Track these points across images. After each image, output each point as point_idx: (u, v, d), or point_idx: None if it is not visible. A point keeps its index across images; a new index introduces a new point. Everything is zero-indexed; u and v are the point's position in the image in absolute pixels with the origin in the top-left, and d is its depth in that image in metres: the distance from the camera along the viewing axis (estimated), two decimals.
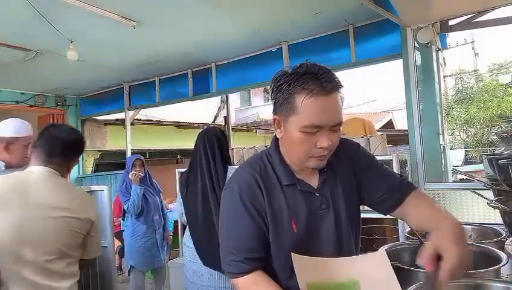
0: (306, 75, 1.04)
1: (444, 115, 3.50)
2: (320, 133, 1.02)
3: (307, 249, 1.06)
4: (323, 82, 1.01)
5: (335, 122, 1.03)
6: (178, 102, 5.48)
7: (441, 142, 3.12)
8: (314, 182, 1.14)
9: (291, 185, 1.10)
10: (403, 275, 1.27)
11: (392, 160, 2.50)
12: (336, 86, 1.03)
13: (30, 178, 1.58)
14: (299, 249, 1.04)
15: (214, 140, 2.35)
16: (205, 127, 2.68)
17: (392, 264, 1.33)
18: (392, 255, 1.45)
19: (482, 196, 1.19)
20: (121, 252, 4.63)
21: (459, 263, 0.87)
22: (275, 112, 1.09)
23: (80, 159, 6.67)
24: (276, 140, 1.17)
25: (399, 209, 1.14)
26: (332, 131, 1.04)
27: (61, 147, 1.66)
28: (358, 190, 1.19)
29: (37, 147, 1.67)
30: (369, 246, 2.71)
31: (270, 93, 1.12)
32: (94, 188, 3.66)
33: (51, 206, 1.54)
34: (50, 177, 1.61)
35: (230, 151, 3.44)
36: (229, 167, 2.35)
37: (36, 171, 1.61)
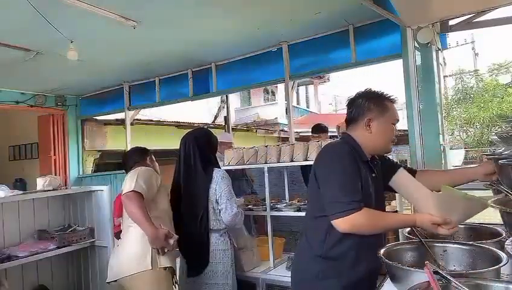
0: (381, 92, 1.74)
1: (444, 115, 3.49)
2: (395, 127, 1.72)
3: (372, 201, 1.60)
4: (394, 97, 1.74)
5: (399, 119, 1.75)
6: (178, 102, 5.48)
7: (441, 142, 3.11)
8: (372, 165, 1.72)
9: (365, 162, 1.67)
10: (403, 275, 1.27)
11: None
12: (397, 100, 1.76)
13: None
14: (369, 202, 1.58)
15: (196, 147, 2.51)
16: (191, 130, 2.74)
17: (392, 264, 1.33)
18: (392, 255, 1.45)
19: (492, 206, 1.20)
20: None
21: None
22: (365, 115, 1.67)
23: (80, 159, 6.69)
24: (349, 136, 1.71)
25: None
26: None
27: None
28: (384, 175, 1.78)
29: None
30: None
31: (360, 103, 1.71)
32: (94, 188, 3.66)
33: None
34: None
35: (231, 151, 3.45)
36: (215, 169, 2.44)
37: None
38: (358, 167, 1.58)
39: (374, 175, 1.67)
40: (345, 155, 1.59)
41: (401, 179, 1.64)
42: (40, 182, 3.53)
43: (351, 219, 1.47)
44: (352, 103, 1.73)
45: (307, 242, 1.67)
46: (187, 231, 2.39)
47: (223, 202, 2.36)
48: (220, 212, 2.37)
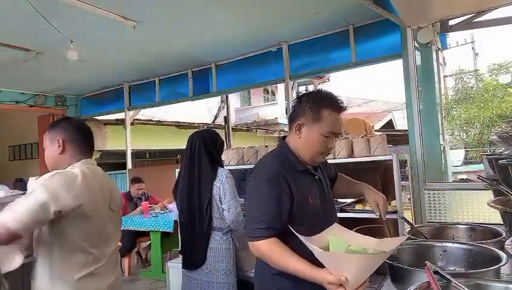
0: (328, 97, 1.50)
1: (444, 115, 3.50)
2: (330, 139, 1.49)
3: (319, 214, 1.50)
4: (340, 104, 1.49)
5: (340, 132, 1.58)
6: (178, 102, 5.49)
7: (441, 142, 3.12)
8: (313, 170, 1.59)
9: (303, 171, 1.52)
10: (403, 275, 1.27)
11: (392, 160, 2.49)
12: (345, 108, 1.51)
13: (103, 175, 1.63)
14: (314, 215, 1.48)
15: (202, 144, 2.47)
16: (199, 129, 2.75)
17: (392, 264, 1.33)
18: (392, 255, 1.45)
19: (492, 206, 1.20)
20: (121, 252, 4.63)
21: (385, 203, 1.74)
22: (299, 118, 1.50)
23: None
24: (284, 143, 1.58)
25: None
26: (336, 138, 1.57)
27: (91, 139, 1.67)
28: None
29: (71, 140, 1.58)
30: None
31: (299, 104, 1.52)
32: None
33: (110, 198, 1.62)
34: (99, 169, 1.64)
35: (231, 151, 3.45)
36: (219, 168, 2.44)
37: (95, 168, 1.59)
38: (283, 186, 1.42)
39: (317, 177, 1.56)
40: (270, 177, 1.44)
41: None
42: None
43: (256, 245, 1.38)
44: (295, 102, 1.55)
45: (261, 261, 1.47)
46: (187, 225, 2.40)
47: (226, 201, 2.35)
48: (223, 211, 2.36)
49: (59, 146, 1.56)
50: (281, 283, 1.44)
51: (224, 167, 2.53)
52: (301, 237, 1.23)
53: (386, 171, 2.99)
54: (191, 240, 2.41)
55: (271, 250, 1.37)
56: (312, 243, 1.21)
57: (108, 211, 1.57)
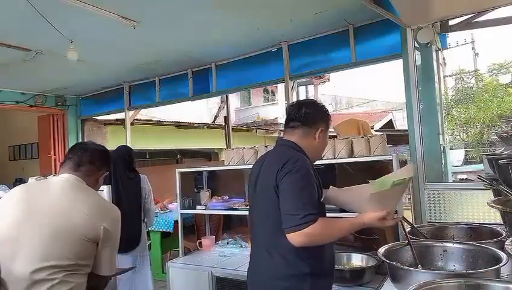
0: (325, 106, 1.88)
1: (444, 115, 3.49)
2: None
3: (323, 207, 1.72)
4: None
5: None
6: (178, 102, 5.49)
7: (441, 142, 3.11)
8: None
9: (315, 169, 1.69)
10: (403, 275, 1.27)
11: (392, 160, 2.49)
12: None
13: (51, 182, 1.69)
14: (322, 206, 1.69)
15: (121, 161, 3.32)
16: (114, 149, 3.54)
17: (392, 264, 1.33)
18: (392, 255, 1.45)
19: (492, 206, 1.20)
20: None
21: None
22: (321, 124, 1.76)
23: None
24: (294, 144, 1.73)
25: None
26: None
27: (89, 157, 1.74)
28: None
29: (66, 161, 1.74)
30: (369, 246, 2.71)
31: (315, 111, 1.78)
32: None
33: (58, 210, 1.53)
34: (72, 183, 1.64)
35: (230, 151, 3.47)
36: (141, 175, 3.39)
37: (61, 177, 1.67)
38: (314, 177, 1.61)
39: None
40: (309, 168, 1.60)
41: (333, 192, 1.66)
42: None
43: (309, 230, 1.45)
44: (305, 110, 1.74)
45: (284, 260, 1.54)
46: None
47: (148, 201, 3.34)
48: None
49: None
50: (312, 282, 1.54)
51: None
52: (345, 191, 1.63)
53: (381, 170, 3.00)
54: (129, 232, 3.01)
55: (326, 226, 1.52)
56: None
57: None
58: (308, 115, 1.73)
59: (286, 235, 1.47)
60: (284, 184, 1.54)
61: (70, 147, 1.86)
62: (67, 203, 1.57)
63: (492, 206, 1.28)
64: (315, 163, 1.81)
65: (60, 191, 1.61)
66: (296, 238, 1.45)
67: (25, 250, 1.45)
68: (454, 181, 3.76)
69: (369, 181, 1.58)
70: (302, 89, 18.26)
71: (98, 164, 1.77)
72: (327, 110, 1.83)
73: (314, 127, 1.73)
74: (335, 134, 3.62)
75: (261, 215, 1.68)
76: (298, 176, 1.54)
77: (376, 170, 2.97)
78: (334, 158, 2.77)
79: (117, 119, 7.03)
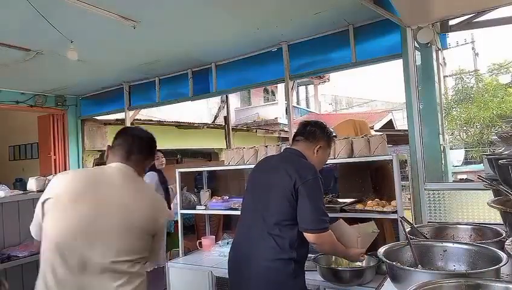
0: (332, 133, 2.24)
1: (444, 115, 3.49)
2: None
3: None
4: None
5: None
6: (178, 102, 5.48)
7: (441, 142, 3.11)
8: None
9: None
10: (403, 275, 1.27)
11: (392, 160, 2.49)
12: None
13: (106, 172, 1.58)
14: None
15: None
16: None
17: (392, 264, 1.33)
18: (392, 255, 1.45)
19: (492, 206, 1.20)
20: None
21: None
22: (320, 142, 2.09)
23: (80, 159, 6.68)
24: (300, 151, 2.08)
25: None
26: None
27: (139, 145, 1.67)
28: None
29: (114, 146, 1.67)
30: (369, 246, 2.71)
31: (321, 131, 2.12)
32: None
33: (124, 203, 1.50)
34: (127, 173, 1.59)
35: (230, 151, 3.46)
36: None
37: (114, 167, 1.60)
38: None
39: None
40: (320, 177, 1.92)
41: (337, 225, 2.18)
42: (33, 183, 3.58)
43: (327, 235, 1.85)
44: (309, 128, 2.11)
45: (277, 246, 1.86)
46: None
47: None
48: None
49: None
50: (295, 265, 1.88)
51: None
52: (346, 226, 2.20)
53: (378, 170, 3.00)
54: None
55: (332, 240, 1.92)
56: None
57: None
58: (311, 132, 2.07)
59: (306, 233, 1.84)
60: (312, 189, 1.86)
61: (118, 131, 1.75)
62: (130, 195, 1.55)
63: (492, 206, 1.28)
64: None
65: (122, 182, 1.56)
66: (313, 237, 1.84)
67: (103, 240, 1.44)
68: (454, 181, 3.76)
69: (358, 223, 2.28)
70: (302, 89, 18.28)
71: (146, 153, 1.71)
72: (331, 133, 2.14)
73: (314, 143, 2.06)
74: (335, 134, 3.62)
75: (267, 206, 1.94)
76: (319, 184, 1.88)
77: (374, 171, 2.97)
78: (334, 158, 2.77)
79: (117, 119, 7.03)
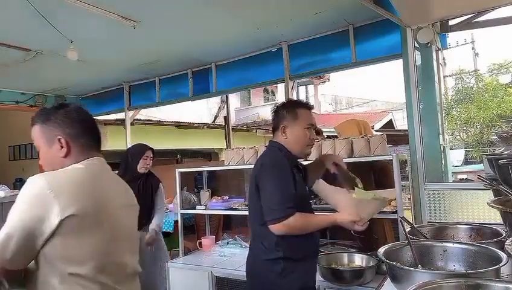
0: (298, 100, 2.08)
1: (444, 115, 3.49)
2: (311, 130, 1.93)
3: (305, 203, 1.93)
4: (307, 103, 2.01)
5: (316, 125, 2.02)
6: (178, 102, 5.48)
7: (441, 142, 3.11)
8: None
9: (296, 166, 1.92)
10: (403, 275, 1.27)
11: (392, 160, 2.49)
12: (312, 106, 2.02)
13: (103, 168, 1.33)
14: (302, 203, 1.87)
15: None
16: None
17: (392, 264, 1.33)
18: (392, 255, 1.45)
19: (492, 206, 1.20)
20: None
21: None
22: (281, 123, 1.91)
23: None
24: (276, 142, 1.94)
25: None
26: (314, 131, 1.98)
27: (97, 130, 1.40)
28: None
29: (78, 136, 1.31)
30: (369, 246, 2.71)
31: (277, 112, 1.95)
32: None
33: (127, 202, 1.39)
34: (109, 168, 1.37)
35: (230, 151, 3.46)
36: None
37: (102, 161, 1.34)
38: (292, 172, 1.82)
39: (301, 175, 1.95)
40: (281, 163, 1.81)
41: (321, 185, 1.95)
42: None
43: (289, 222, 1.70)
44: (273, 113, 1.98)
45: (263, 246, 1.83)
46: None
47: None
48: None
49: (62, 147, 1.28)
50: (284, 264, 1.79)
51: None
52: (332, 188, 1.91)
53: (381, 170, 3.00)
54: None
55: (303, 220, 1.75)
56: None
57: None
58: (273, 118, 1.97)
59: (268, 226, 1.73)
60: (262, 181, 1.79)
61: (72, 115, 1.34)
62: (126, 192, 1.42)
63: (492, 206, 1.28)
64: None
65: (115, 179, 1.40)
66: (276, 228, 1.71)
67: (127, 242, 1.32)
68: (454, 181, 3.76)
69: (356, 187, 1.87)
70: (302, 89, 18.26)
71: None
72: (292, 104, 1.97)
73: (278, 126, 1.92)
74: (335, 134, 3.62)
75: (250, 210, 1.95)
76: (273, 172, 1.78)
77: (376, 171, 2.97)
78: None
79: (117, 119, 7.03)
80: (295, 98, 2.23)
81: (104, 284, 1.18)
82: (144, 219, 3.19)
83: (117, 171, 3.07)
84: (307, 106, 1.95)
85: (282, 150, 1.89)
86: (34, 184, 1.15)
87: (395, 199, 2.31)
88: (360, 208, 1.74)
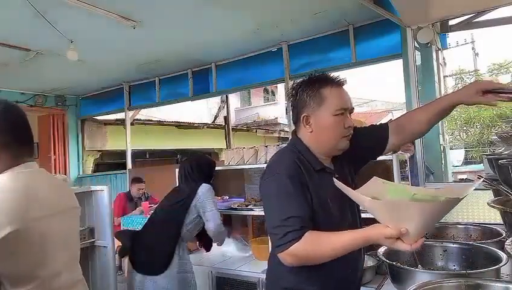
0: (322, 77, 1.35)
1: None
2: (345, 116, 1.31)
3: (336, 217, 1.31)
4: (336, 79, 1.34)
5: (352, 107, 1.35)
6: (178, 102, 5.49)
7: (441, 142, 3.12)
8: (332, 167, 1.40)
9: (321, 170, 1.34)
10: (403, 275, 1.27)
11: (392, 160, 2.49)
12: (343, 81, 1.35)
13: (41, 179, 1.20)
14: (331, 218, 1.28)
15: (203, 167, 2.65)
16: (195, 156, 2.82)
17: (392, 264, 1.33)
18: (392, 255, 1.45)
19: (493, 206, 1.19)
20: (121, 252, 4.61)
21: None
22: (302, 111, 1.34)
23: (80, 158, 6.68)
24: (297, 138, 1.39)
25: (395, 138, 1.45)
26: (350, 115, 1.35)
27: (29, 131, 1.21)
28: (354, 166, 1.51)
29: (9, 144, 1.13)
30: (369, 246, 2.71)
31: (291, 99, 1.38)
32: (94, 188, 3.66)
33: (68, 206, 1.28)
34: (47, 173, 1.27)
35: (230, 151, 3.46)
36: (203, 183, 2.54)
37: (40, 169, 1.22)
38: (304, 181, 1.28)
39: (337, 176, 1.29)
40: (290, 172, 1.27)
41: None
42: None
43: (292, 251, 1.17)
44: (291, 99, 1.40)
45: (278, 266, 1.30)
46: None
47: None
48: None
49: None
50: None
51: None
52: (346, 189, 1.13)
53: (384, 171, 3.00)
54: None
55: (313, 243, 1.18)
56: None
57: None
58: (292, 109, 1.39)
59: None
60: (261, 193, 1.36)
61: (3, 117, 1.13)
62: (62, 196, 1.31)
63: (492, 206, 1.28)
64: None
65: (50, 183, 1.28)
66: (284, 258, 1.21)
67: (63, 252, 1.23)
68: (454, 181, 3.77)
69: (386, 183, 1.18)
70: None
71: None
72: (310, 86, 1.34)
73: (299, 118, 1.36)
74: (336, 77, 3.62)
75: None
76: (273, 187, 1.29)
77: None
78: None
79: (117, 119, 7.04)
80: (317, 74, 1.36)
81: None
82: None
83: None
84: (334, 82, 1.33)
85: (301, 150, 1.36)
86: None
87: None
88: (397, 216, 1.08)
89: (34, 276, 1.08)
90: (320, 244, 1.18)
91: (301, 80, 1.40)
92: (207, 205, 2.45)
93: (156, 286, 2.34)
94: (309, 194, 1.27)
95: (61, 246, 1.18)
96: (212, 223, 2.43)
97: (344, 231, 1.18)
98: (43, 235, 1.11)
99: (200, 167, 2.62)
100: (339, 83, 1.33)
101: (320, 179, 1.31)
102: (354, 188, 1.19)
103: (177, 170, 3.59)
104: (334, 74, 1.35)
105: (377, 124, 1.58)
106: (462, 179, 5.67)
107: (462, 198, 1.04)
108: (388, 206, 1.08)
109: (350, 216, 1.37)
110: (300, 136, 1.38)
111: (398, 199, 1.11)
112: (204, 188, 2.48)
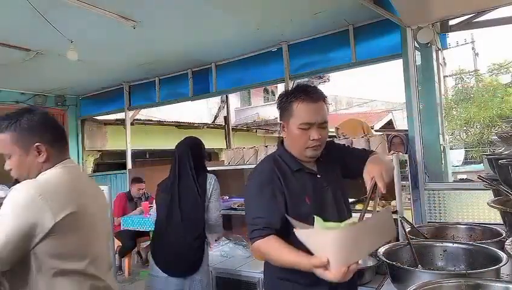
0: (298, 90, 1.48)
1: (444, 115, 3.50)
2: (311, 129, 1.43)
3: (313, 213, 1.29)
4: (310, 93, 1.45)
5: (321, 121, 1.45)
6: (178, 102, 5.49)
7: (441, 142, 3.12)
8: (314, 168, 1.54)
9: (299, 170, 1.49)
10: (403, 275, 1.27)
11: (392, 160, 2.49)
12: (319, 96, 1.47)
13: (83, 174, 1.51)
14: (310, 217, 1.24)
15: (196, 150, 2.67)
16: (185, 138, 2.79)
17: (392, 264, 1.33)
18: (392, 255, 1.45)
19: (493, 206, 1.19)
20: (121, 252, 4.63)
21: (379, 174, 1.30)
22: (281, 118, 1.53)
23: (80, 159, 6.68)
24: (281, 142, 1.60)
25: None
26: (321, 128, 1.46)
27: (66, 134, 1.45)
28: (341, 172, 1.63)
29: (53, 141, 1.33)
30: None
31: (278, 106, 1.54)
32: None
33: (103, 201, 1.52)
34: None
35: (230, 151, 3.46)
36: (208, 174, 2.60)
37: (77, 166, 1.50)
38: (276, 186, 1.42)
39: (319, 176, 1.51)
40: (261, 179, 1.46)
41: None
42: None
43: (255, 246, 1.36)
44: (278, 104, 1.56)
45: (268, 266, 1.56)
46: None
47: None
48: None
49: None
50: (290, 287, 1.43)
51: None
52: (292, 220, 1.18)
53: None
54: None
55: (268, 247, 1.34)
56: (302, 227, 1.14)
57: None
58: (278, 110, 1.55)
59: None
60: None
61: (43, 120, 1.35)
62: (99, 192, 1.56)
63: (492, 206, 1.28)
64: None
65: (89, 179, 1.57)
66: (252, 251, 1.45)
67: (105, 238, 1.49)
68: (454, 181, 3.77)
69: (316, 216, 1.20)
70: None
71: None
72: (284, 98, 1.49)
73: (282, 122, 1.53)
74: (334, 134, 3.62)
75: None
76: (249, 190, 1.49)
77: None
78: None
79: (117, 119, 7.04)
80: (299, 84, 1.56)
81: (94, 276, 1.28)
82: None
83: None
84: (303, 98, 1.43)
85: (281, 154, 1.54)
86: (24, 192, 1.19)
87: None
88: (319, 247, 1.10)
89: (84, 254, 1.27)
90: (271, 254, 1.34)
91: (287, 89, 1.60)
92: (214, 195, 2.51)
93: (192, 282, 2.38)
94: (283, 198, 1.42)
95: (101, 231, 1.40)
96: (214, 213, 2.47)
97: (295, 251, 1.23)
98: (91, 218, 1.31)
99: (196, 157, 2.66)
100: (307, 99, 1.43)
101: (298, 179, 1.48)
102: (341, 191, 1.55)
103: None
104: (310, 90, 1.47)
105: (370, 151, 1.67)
106: (462, 179, 5.66)
107: (361, 224, 1.11)
108: (309, 236, 1.13)
109: (335, 212, 1.48)
110: (284, 141, 1.59)
111: (312, 229, 1.13)
112: (212, 179, 2.56)
